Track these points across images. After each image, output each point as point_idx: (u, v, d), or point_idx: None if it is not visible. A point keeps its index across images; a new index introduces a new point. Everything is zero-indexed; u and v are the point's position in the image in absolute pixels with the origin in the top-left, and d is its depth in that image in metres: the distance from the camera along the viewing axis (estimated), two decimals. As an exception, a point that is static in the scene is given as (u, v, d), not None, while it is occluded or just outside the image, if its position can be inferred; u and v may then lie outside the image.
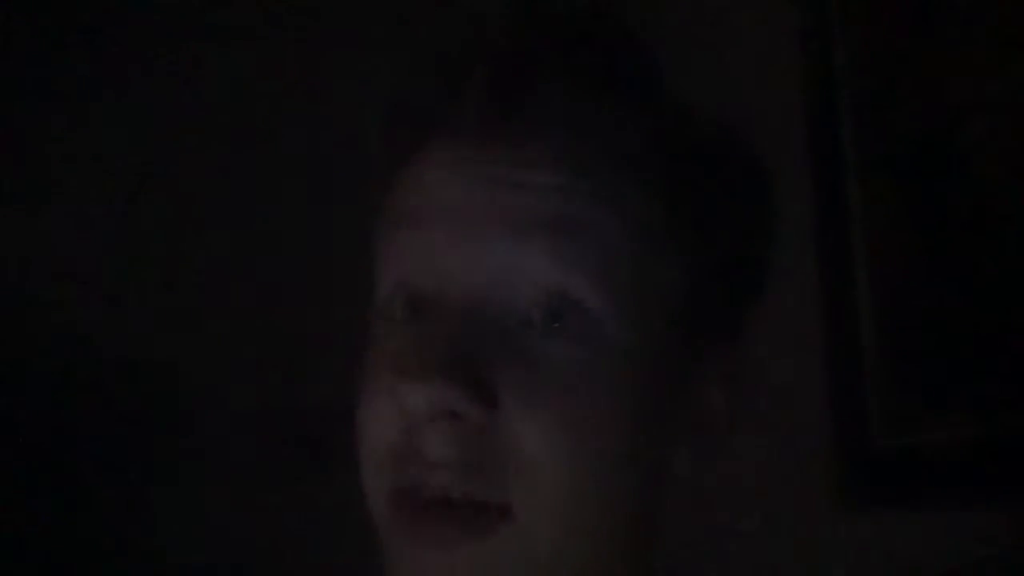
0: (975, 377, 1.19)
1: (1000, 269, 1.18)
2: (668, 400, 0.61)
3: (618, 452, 0.59)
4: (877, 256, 1.26)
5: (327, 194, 1.57)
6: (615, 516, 0.61)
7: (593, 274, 0.58)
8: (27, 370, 1.65)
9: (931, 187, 1.23)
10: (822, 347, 1.29)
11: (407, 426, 0.58)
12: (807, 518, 1.26)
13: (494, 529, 0.57)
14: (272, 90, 1.71)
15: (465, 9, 0.67)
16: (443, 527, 0.57)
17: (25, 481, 1.59)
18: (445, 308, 0.58)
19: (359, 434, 0.61)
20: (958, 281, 1.21)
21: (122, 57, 1.71)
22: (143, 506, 1.64)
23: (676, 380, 0.62)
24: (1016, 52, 1.17)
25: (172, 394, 1.69)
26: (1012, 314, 1.17)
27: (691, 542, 0.70)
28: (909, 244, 1.24)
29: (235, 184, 1.69)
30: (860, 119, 1.28)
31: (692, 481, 0.64)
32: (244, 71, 1.70)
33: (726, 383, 0.64)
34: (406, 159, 0.63)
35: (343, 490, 0.67)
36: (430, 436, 0.57)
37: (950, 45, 1.22)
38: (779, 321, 0.86)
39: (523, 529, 0.57)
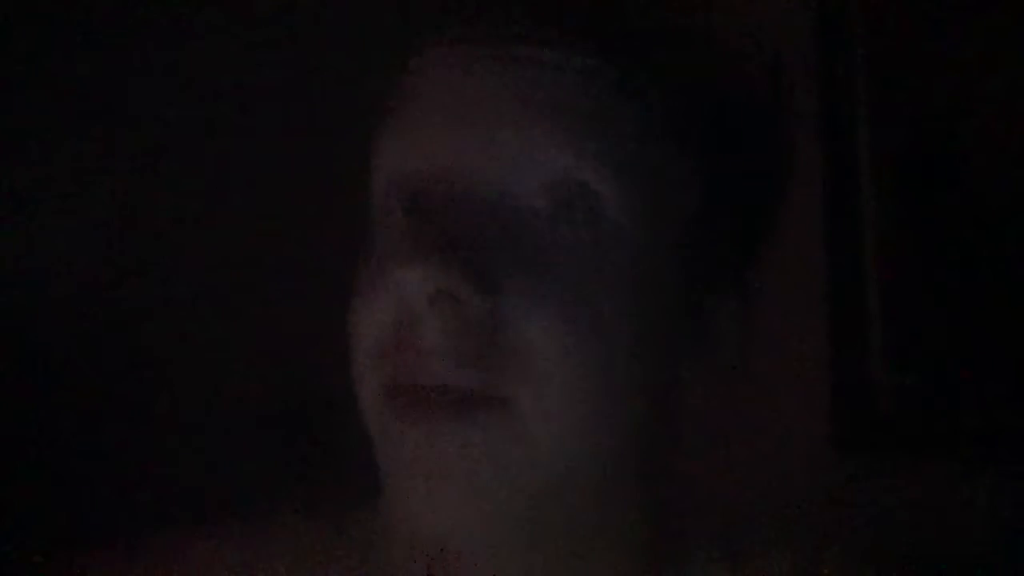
0: (974, 342, 1.20)
1: (1002, 241, 1.20)
2: (676, 311, 0.59)
3: (624, 352, 0.56)
4: (877, 211, 1.28)
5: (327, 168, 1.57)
6: (620, 426, 0.58)
7: (607, 162, 0.55)
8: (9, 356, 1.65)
9: (934, 174, 1.25)
10: (824, 299, 1.30)
11: (403, 315, 0.55)
12: (808, 463, 1.27)
13: (491, 419, 0.54)
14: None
15: None
16: (438, 414, 0.54)
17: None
18: (445, 196, 0.56)
19: (351, 327, 0.58)
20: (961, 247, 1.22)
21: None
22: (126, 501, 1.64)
23: (685, 292, 0.59)
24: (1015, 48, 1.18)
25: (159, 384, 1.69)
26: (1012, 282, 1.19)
27: (690, 483, 0.70)
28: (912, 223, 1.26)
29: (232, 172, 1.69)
30: (870, 112, 1.29)
31: (702, 414, 0.62)
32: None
33: (736, 310, 0.62)
34: (404, 59, 0.60)
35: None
36: (427, 322, 0.54)
37: (952, 41, 1.23)
38: (784, 276, 0.86)
39: (521, 422, 0.55)
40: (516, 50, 0.56)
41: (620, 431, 0.58)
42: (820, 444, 1.27)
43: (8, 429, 1.43)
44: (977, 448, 1.17)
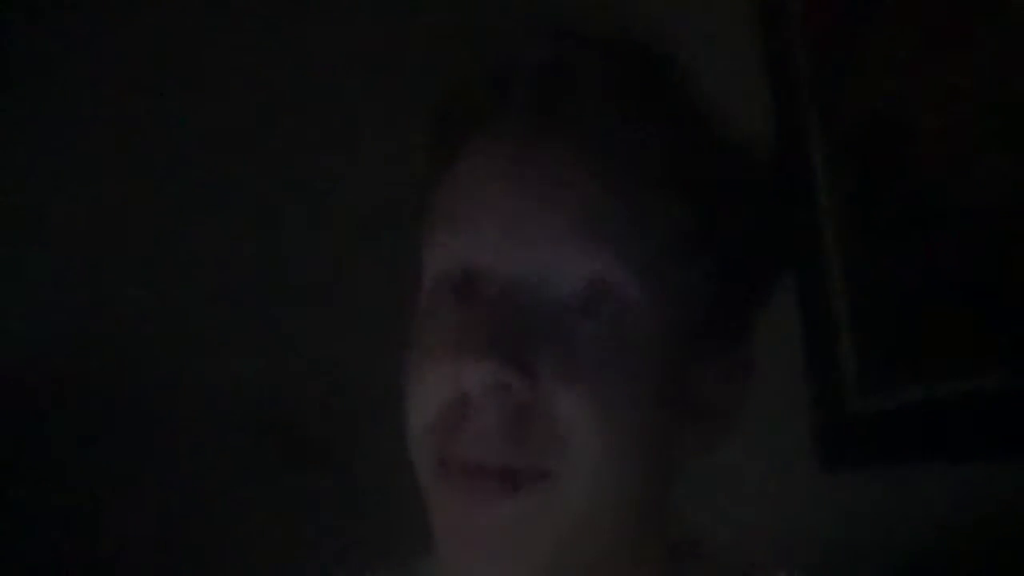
0: (945, 340, 1.23)
1: (961, 241, 1.22)
2: (676, 389, 0.67)
3: (640, 425, 0.64)
4: (846, 229, 1.31)
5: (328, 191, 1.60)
6: (637, 489, 0.66)
7: (629, 269, 0.64)
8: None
9: (892, 169, 1.28)
10: (798, 314, 1.33)
11: (458, 399, 0.64)
12: (786, 479, 1.30)
13: (532, 489, 0.63)
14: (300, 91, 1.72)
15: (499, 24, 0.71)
16: (485, 487, 0.63)
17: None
18: (491, 293, 0.64)
19: (408, 406, 0.66)
20: (923, 253, 1.25)
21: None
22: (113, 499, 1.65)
23: (690, 368, 0.68)
24: (964, 43, 1.22)
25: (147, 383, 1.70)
26: (977, 279, 1.21)
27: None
28: (876, 218, 1.29)
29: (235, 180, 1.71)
30: (821, 107, 1.33)
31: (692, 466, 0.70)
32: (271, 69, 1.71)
33: (726, 381, 0.70)
34: (448, 158, 0.69)
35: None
36: (480, 407, 0.63)
37: (897, 37, 1.27)
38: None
39: (558, 490, 0.63)
40: (551, 170, 0.64)
41: (633, 491, 0.67)
42: (803, 465, 1.30)
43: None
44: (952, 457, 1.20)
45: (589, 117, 0.65)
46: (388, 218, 0.99)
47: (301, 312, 1.69)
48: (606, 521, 0.65)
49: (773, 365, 1.30)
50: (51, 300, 1.69)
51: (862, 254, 1.31)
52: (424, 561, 0.73)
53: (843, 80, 1.32)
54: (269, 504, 1.65)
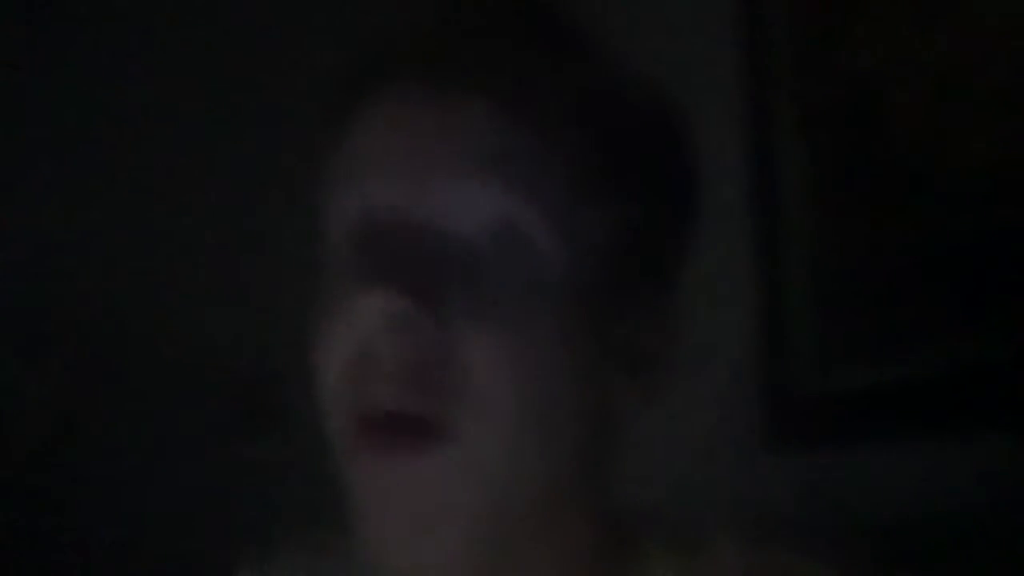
0: (898, 323, 1.23)
1: (920, 219, 1.23)
2: (605, 336, 0.64)
3: (559, 380, 0.62)
4: (803, 210, 1.31)
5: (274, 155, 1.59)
6: (560, 449, 0.63)
7: (533, 204, 0.61)
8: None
9: (853, 145, 1.28)
10: (750, 294, 1.33)
11: (362, 345, 0.60)
12: (735, 461, 1.30)
13: (437, 448, 0.59)
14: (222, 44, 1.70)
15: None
16: (388, 445, 0.60)
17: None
18: (397, 239, 0.61)
19: (318, 363, 0.63)
20: (882, 232, 1.25)
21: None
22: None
23: (612, 317, 0.65)
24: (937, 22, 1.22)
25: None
26: (931, 261, 1.22)
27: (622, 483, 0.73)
28: (835, 199, 1.29)
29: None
30: (791, 79, 1.32)
31: (632, 424, 0.67)
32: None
33: (660, 327, 0.67)
34: (350, 111, 0.66)
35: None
36: (384, 348, 0.59)
37: (875, 15, 1.27)
38: (710, 270, 0.89)
39: (469, 449, 0.60)
40: (452, 110, 0.62)
41: (562, 450, 0.63)
42: (751, 442, 1.30)
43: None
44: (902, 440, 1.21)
45: (489, 60, 0.63)
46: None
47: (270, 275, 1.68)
48: (535, 484, 0.62)
49: (726, 343, 1.32)
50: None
51: (820, 233, 1.30)
52: (344, 540, 0.67)
53: (817, 54, 1.31)
54: (228, 471, 1.65)
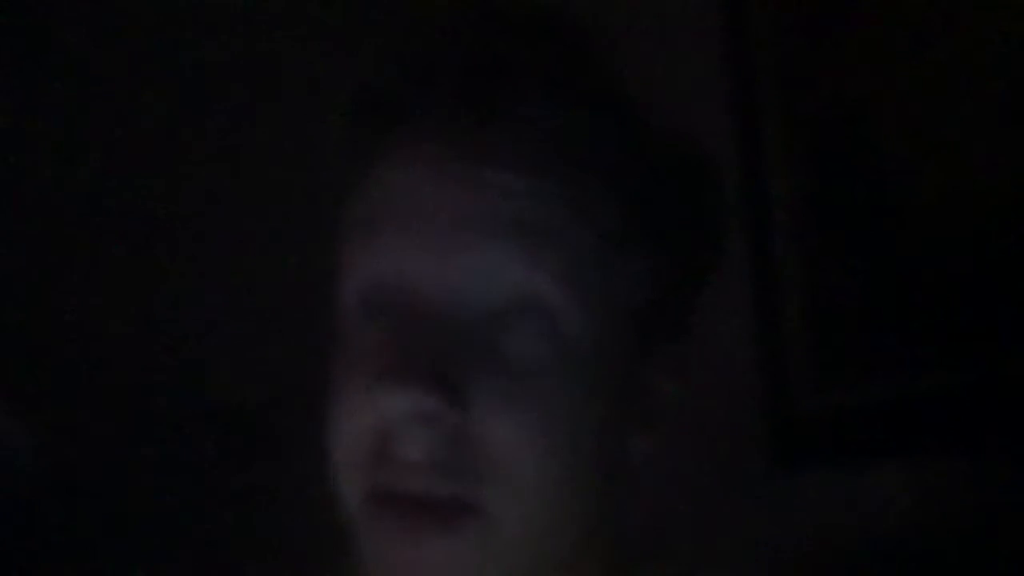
0: (896, 341, 1.23)
1: (915, 237, 1.23)
2: (624, 393, 0.63)
3: (583, 448, 0.60)
4: (799, 230, 1.31)
5: (283, 192, 1.58)
6: (580, 510, 0.63)
7: (558, 275, 0.59)
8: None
9: (846, 165, 1.28)
10: (749, 314, 1.33)
11: (383, 429, 0.59)
12: (738, 480, 1.30)
13: (465, 525, 0.58)
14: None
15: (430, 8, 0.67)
16: (416, 524, 0.58)
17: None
18: (414, 310, 0.59)
19: (333, 436, 0.61)
20: (877, 252, 1.26)
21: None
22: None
23: (631, 374, 0.64)
24: (925, 40, 1.22)
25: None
26: (928, 278, 1.22)
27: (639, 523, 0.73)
28: (830, 217, 1.29)
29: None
30: (781, 101, 1.33)
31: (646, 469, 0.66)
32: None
33: (675, 374, 0.66)
34: (370, 157, 0.63)
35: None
36: (405, 438, 0.58)
37: (862, 34, 1.27)
38: (709, 291, 0.89)
39: (493, 525, 0.59)
40: (475, 172, 0.59)
41: (583, 507, 0.63)
42: (756, 465, 1.30)
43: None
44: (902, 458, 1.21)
45: (516, 116, 0.60)
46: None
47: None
48: (559, 544, 0.62)
49: (726, 362, 1.32)
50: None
51: (817, 251, 1.31)
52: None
53: (804, 71, 1.32)
54: (217, 497, 1.64)
